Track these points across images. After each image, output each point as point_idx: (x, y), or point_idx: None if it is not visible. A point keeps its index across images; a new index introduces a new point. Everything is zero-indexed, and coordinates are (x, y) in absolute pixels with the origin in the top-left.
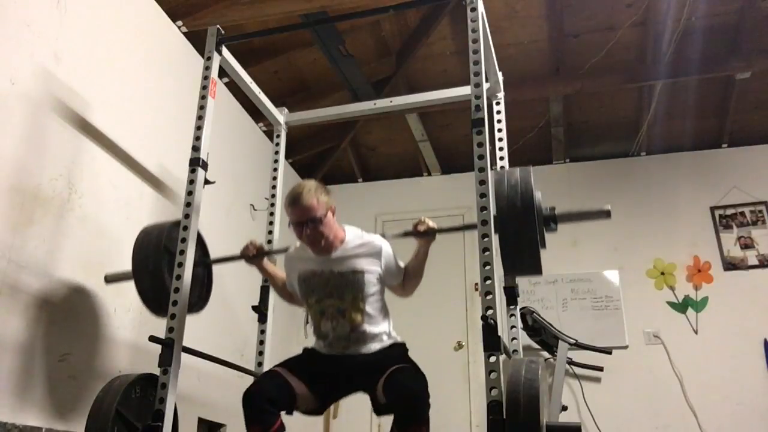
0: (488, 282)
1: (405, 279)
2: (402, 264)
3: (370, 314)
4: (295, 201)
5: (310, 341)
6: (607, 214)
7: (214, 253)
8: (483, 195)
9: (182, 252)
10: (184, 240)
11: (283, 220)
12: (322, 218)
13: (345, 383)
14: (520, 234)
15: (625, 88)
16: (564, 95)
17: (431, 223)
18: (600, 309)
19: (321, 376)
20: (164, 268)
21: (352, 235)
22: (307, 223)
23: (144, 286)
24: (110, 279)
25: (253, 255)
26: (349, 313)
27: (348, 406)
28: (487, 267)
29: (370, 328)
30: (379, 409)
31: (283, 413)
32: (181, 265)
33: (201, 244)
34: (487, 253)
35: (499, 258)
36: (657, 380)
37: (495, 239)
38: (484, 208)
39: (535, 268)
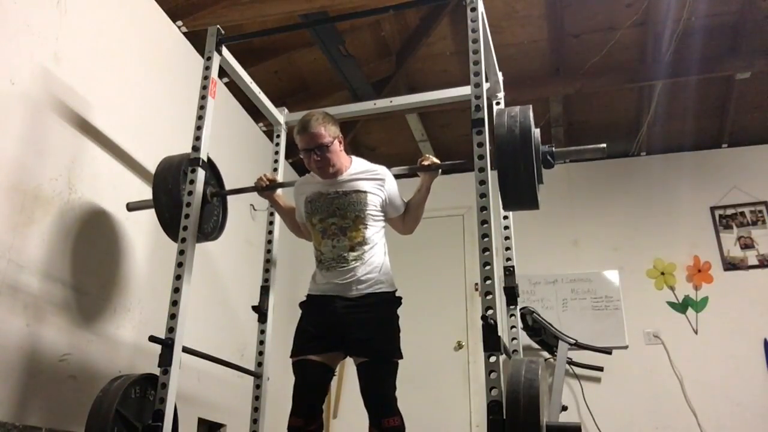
0: (488, 282)
1: (405, 213)
2: (404, 199)
3: (369, 238)
4: (304, 128)
5: None
6: (602, 151)
7: (213, 253)
8: (483, 195)
9: (182, 252)
10: (184, 240)
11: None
12: (329, 145)
13: (342, 332)
14: (518, 165)
15: (625, 88)
16: (564, 95)
17: (435, 159)
18: (600, 309)
19: (326, 335)
20: (183, 189)
21: (359, 163)
22: (315, 149)
23: (162, 207)
24: (132, 207)
25: (266, 186)
26: (349, 232)
27: (348, 405)
28: (487, 267)
29: (368, 251)
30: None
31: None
32: (181, 265)
33: (216, 175)
34: (487, 253)
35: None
36: (657, 380)
37: (495, 239)
38: (484, 208)
39: (531, 202)
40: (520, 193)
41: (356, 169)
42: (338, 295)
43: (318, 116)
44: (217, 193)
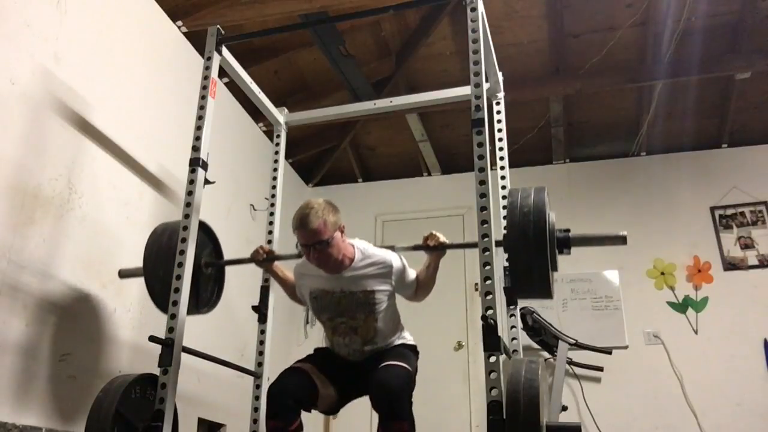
0: (488, 282)
1: (417, 288)
2: (413, 274)
3: (383, 329)
4: (302, 224)
5: (311, 341)
6: (623, 239)
7: None
8: (483, 195)
9: (182, 252)
10: (184, 240)
11: (284, 221)
12: (329, 240)
13: (362, 381)
14: (531, 260)
15: (625, 88)
16: (564, 95)
17: (442, 238)
18: (600, 309)
19: (341, 373)
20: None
21: (362, 253)
22: (314, 245)
23: (155, 289)
24: (124, 274)
25: (264, 259)
26: (362, 330)
27: (348, 405)
28: (487, 267)
29: (383, 340)
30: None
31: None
32: (181, 265)
33: (215, 245)
34: (487, 253)
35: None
36: (657, 380)
37: (495, 239)
38: (484, 208)
39: (545, 293)
40: (532, 287)
41: (361, 262)
42: (358, 361)
43: (316, 209)
44: (213, 263)
